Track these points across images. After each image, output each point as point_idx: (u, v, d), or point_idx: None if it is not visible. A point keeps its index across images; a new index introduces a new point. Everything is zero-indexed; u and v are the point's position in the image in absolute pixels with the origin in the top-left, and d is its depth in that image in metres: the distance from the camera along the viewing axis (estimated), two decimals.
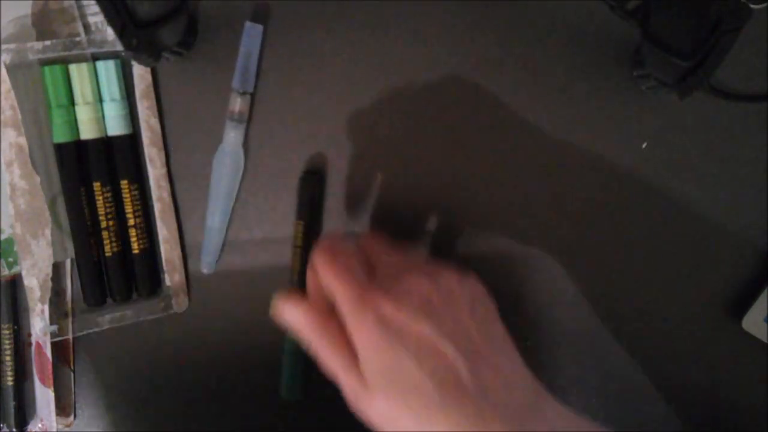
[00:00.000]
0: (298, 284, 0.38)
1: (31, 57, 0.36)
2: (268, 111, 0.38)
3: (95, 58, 0.36)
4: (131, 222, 0.38)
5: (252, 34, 0.36)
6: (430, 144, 0.38)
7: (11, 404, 0.38)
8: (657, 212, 0.38)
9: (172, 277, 0.39)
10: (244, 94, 0.37)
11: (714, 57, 0.29)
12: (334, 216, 0.38)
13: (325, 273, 0.30)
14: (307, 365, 0.38)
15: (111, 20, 0.29)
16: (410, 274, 0.29)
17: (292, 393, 0.39)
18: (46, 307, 0.37)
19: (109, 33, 0.36)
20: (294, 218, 0.38)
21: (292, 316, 0.30)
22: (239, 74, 0.37)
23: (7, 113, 0.36)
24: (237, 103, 0.37)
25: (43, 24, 0.36)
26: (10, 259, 0.38)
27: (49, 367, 0.38)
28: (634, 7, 0.30)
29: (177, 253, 0.39)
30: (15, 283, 0.38)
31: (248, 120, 0.38)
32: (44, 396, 0.39)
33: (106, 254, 0.38)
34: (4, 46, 0.35)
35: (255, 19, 0.37)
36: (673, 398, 0.39)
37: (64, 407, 0.40)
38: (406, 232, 0.39)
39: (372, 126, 0.38)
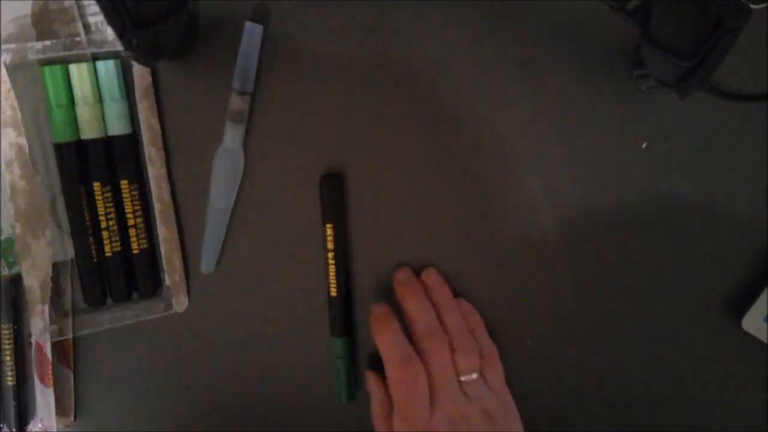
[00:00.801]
0: (335, 289, 0.38)
1: (31, 57, 0.36)
2: (268, 111, 0.38)
3: (95, 58, 0.36)
4: (131, 222, 0.38)
5: (252, 34, 0.36)
6: (430, 143, 0.38)
7: (11, 404, 0.38)
8: (657, 212, 0.38)
9: (172, 277, 0.39)
10: (244, 94, 0.37)
11: (714, 57, 0.29)
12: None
13: (392, 376, 0.36)
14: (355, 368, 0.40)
15: (111, 20, 0.29)
16: (454, 404, 0.36)
17: (350, 396, 0.39)
18: (46, 307, 0.37)
19: (109, 33, 0.36)
20: (320, 222, 0.38)
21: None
22: (239, 74, 0.37)
23: (7, 113, 0.36)
24: (237, 103, 0.37)
25: (43, 24, 0.36)
26: (10, 259, 0.38)
27: (49, 367, 0.38)
28: (634, 7, 0.30)
29: (177, 253, 0.39)
30: (15, 283, 0.38)
31: (248, 120, 0.38)
32: (44, 396, 0.39)
33: (106, 254, 0.38)
34: (4, 46, 0.35)
35: (255, 19, 0.37)
36: (673, 398, 0.39)
37: (64, 407, 0.40)
38: (405, 233, 0.39)
39: (372, 125, 0.38)
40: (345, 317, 0.39)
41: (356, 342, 0.40)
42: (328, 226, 0.38)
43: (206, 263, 0.39)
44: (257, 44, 0.37)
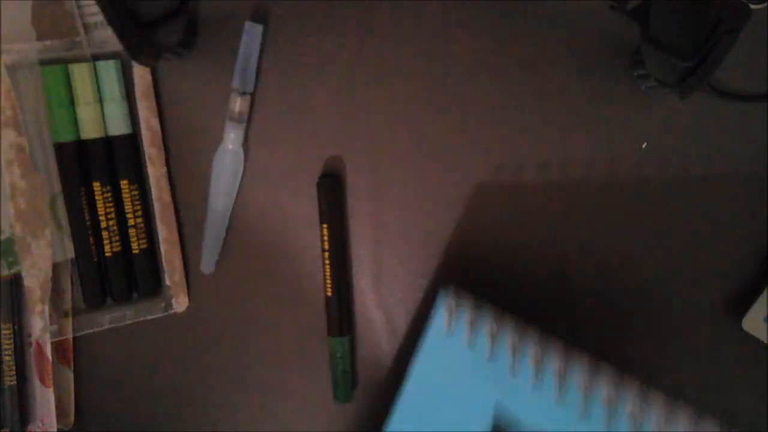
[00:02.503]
0: (331, 289, 0.38)
1: (31, 57, 0.36)
2: (268, 111, 0.38)
3: (95, 58, 0.36)
4: (131, 222, 0.38)
5: (252, 34, 0.36)
6: (430, 143, 0.38)
7: (11, 404, 0.38)
8: (657, 212, 0.38)
9: (172, 277, 0.39)
10: (244, 94, 0.37)
11: (714, 57, 0.29)
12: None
13: None
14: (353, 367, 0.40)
15: (111, 20, 0.29)
16: None
17: (348, 395, 0.39)
18: (46, 307, 0.37)
19: (109, 33, 0.36)
20: (318, 223, 0.38)
21: None
22: (239, 74, 0.37)
23: (7, 113, 0.36)
24: (237, 104, 0.37)
25: (43, 24, 0.36)
26: (10, 259, 0.38)
27: (49, 367, 0.38)
28: (634, 7, 0.30)
29: (177, 253, 0.39)
30: (15, 283, 0.38)
31: (248, 120, 0.38)
32: (44, 396, 0.39)
33: (106, 254, 0.38)
34: (4, 46, 0.35)
35: (255, 19, 0.37)
36: (673, 398, 0.40)
37: (64, 407, 0.40)
38: (405, 233, 0.39)
39: (373, 126, 0.38)
40: (341, 317, 0.39)
41: (354, 342, 0.40)
42: (323, 226, 0.38)
43: (206, 263, 0.39)
44: (257, 44, 0.37)
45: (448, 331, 0.35)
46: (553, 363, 0.33)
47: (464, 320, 0.35)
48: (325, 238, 0.38)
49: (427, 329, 0.35)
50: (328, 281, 0.38)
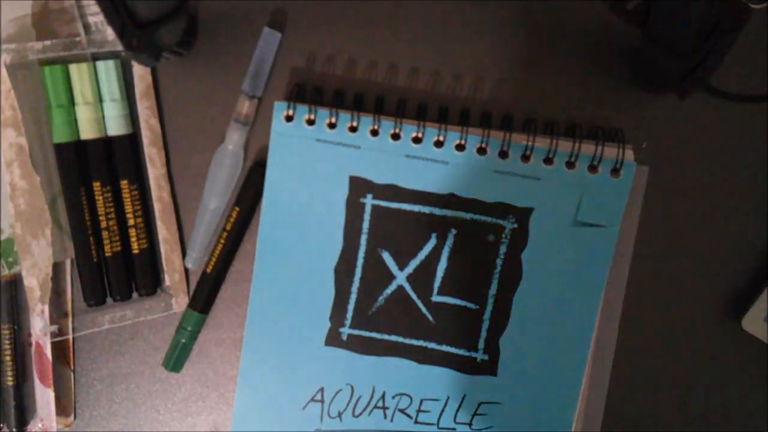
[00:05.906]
0: (215, 266, 0.38)
1: (31, 57, 0.36)
2: (269, 115, 0.38)
3: (95, 58, 0.37)
4: (131, 222, 0.38)
5: (269, 40, 0.36)
6: None
7: (11, 404, 0.38)
8: (656, 212, 0.38)
9: (172, 277, 0.39)
10: (252, 98, 0.37)
11: (714, 57, 0.29)
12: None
13: None
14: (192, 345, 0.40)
15: (111, 20, 0.29)
16: None
17: (177, 366, 0.39)
18: (46, 307, 0.37)
19: (109, 33, 0.36)
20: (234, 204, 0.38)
21: None
22: (250, 78, 0.37)
23: (7, 113, 0.36)
24: (245, 107, 0.37)
25: (43, 24, 0.36)
26: (10, 259, 0.38)
27: (49, 367, 0.38)
28: (634, 7, 0.30)
29: (177, 253, 0.39)
30: (15, 283, 0.38)
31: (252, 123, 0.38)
32: (44, 396, 0.39)
33: (106, 254, 0.38)
34: (4, 46, 0.35)
35: (272, 26, 0.37)
36: (673, 398, 0.39)
37: (64, 407, 0.40)
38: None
39: None
40: (210, 295, 0.39)
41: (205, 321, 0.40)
42: (235, 208, 0.38)
43: (191, 259, 0.39)
44: (273, 51, 0.37)
45: (287, 124, 0.36)
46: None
47: (303, 113, 0.36)
48: (233, 219, 0.38)
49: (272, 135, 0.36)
50: (214, 259, 0.38)
